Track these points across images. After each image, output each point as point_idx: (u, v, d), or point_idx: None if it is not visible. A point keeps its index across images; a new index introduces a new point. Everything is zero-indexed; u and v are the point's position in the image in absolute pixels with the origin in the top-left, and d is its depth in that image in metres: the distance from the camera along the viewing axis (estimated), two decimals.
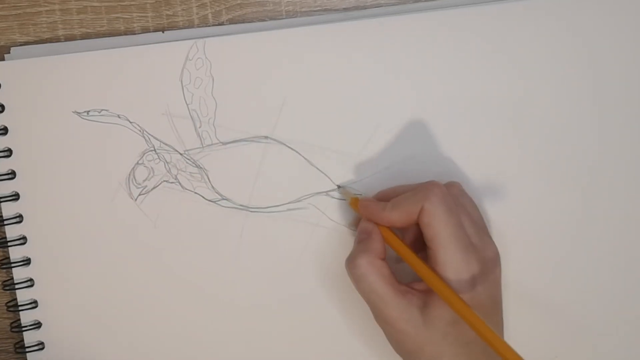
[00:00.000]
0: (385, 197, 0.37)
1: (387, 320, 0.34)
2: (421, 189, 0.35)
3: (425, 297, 0.34)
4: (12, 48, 0.40)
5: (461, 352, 0.33)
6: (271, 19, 0.41)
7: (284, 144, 0.40)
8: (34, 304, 0.40)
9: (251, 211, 0.40)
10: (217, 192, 0.40)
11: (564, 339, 0.41)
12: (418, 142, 0.40)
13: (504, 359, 0.29)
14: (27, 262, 0.40)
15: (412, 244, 0.37)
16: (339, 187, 0.40)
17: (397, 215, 0.35)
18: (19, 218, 0.40)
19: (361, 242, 0.36)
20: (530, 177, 0.40)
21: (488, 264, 0.34)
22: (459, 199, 0.36)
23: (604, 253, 0.41)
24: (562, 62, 0.40)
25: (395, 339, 0.34)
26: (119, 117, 0.40)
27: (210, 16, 0.41)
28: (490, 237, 0.36)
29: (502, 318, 0.36)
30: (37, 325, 0.40)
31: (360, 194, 0.40)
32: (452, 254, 0.33)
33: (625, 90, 0.40)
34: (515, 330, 0.40)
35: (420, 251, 0.35)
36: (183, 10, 0.41)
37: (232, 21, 0.41)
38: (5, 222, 0.40)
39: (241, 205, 0.40)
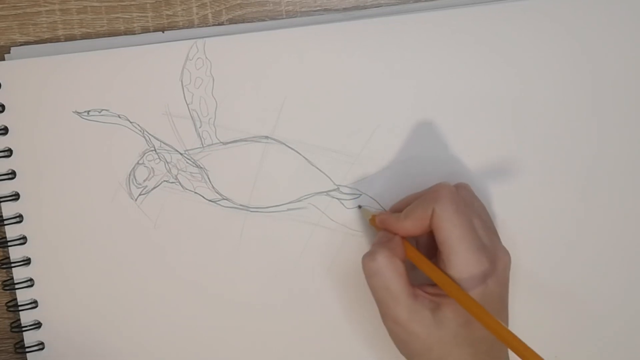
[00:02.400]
0: (399, 209, 0.37)
1: (398, 320, 0.34)
2: (430, 193, 0.35)
3: (437, 299, 0.34)
4: (12, 48, 0.40)
5: (467, 352, 0.33)
6: (271, 19, 0.41)
7: (284, 144, 0.40)
8: (34, 304, 0.40)
9: (251, 211, 0.40)
10: (217, 192, 0.40)
11: (564, 339, 0.41)
12: (418, 142, 0.40)
13: (521, 356, 0.30)
14: (27, 262, 0.40)
15: (424, 252, 0.37)
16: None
17: (411, 223, 0.35)
18: (19, 218, 0.40)
19: (381, 242, 0.36)
20: (529, 176, 0.40)
21: (499, 265, 0.34)
22: (468, 201, 0.36)
23: (603, 251, 0.41)
24: (560, 62, 0.40)
25: (402, 339, 0.34)
26: (119, 117, 0.40)
27: (210, 16, 0.41)
28: (500, 241, 0.36)
29: (507, 318, 0.36)
30: (37, 325, 0.40)
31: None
32: (463, 255, 0.33)
33: (622, 89, 0.40)
34: (516, 329, 0.40)
35: (430, 259, 0.35)
36: (183, 10, 0.41)
37: (232, 21, 0.41)
38: (5, 222, 0.40)
39: (241, 205, 0.40)
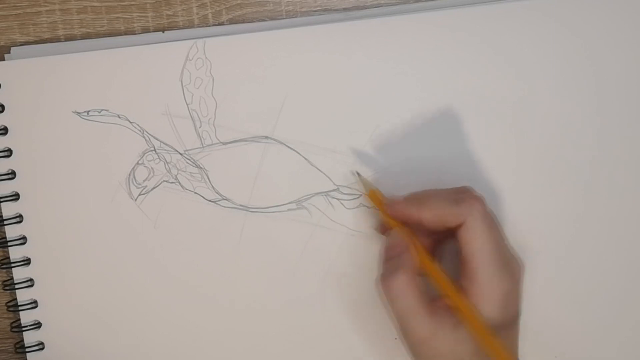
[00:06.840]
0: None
1: (420, 338, 0.33)
2: (463, 202, 0.33)
3: (457, 314, 0.33)
4: (12, 48, 0.40)
5: None
6: (271, 19, 0.41)
7: (284, 144, 0.40)
8: (34, 304, 0.40)
9: (251, 211, 0.40)
10: (217, 192, 0.40)
11: (564, 339, 0.41)
12: (418, 142, 0.40)
13: None
14: (27, 262, 0.40)
15: (431, 248, 0.36)
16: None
17: (430, 216, 0.33)
18: (19, 218, 0.40)
19: (395, 259, 0.34)
20: (530, 177, 0.40)
21: (516, 277, 0.34)
22: (493, 213, 0.35)
23: (604, 253, 0.41)
24: (562, 62, 0.40)
25: (424, 357, 0.33)
26: (119, 117, 0.40)
27: (210, 16, 0.41)
28: (513, 248, 0.36)
29: (518, 326, 0.36)
30: (37, 325, 0.40)
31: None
32: (491, 273, 0.32)
33: (624, 90, 0.40)
34: None
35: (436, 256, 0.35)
36: (183, 10, 0.41)
37: (232, 21, 0.41)
38: (5, 222, 0.40)
39: (241, 206, 0.40)
